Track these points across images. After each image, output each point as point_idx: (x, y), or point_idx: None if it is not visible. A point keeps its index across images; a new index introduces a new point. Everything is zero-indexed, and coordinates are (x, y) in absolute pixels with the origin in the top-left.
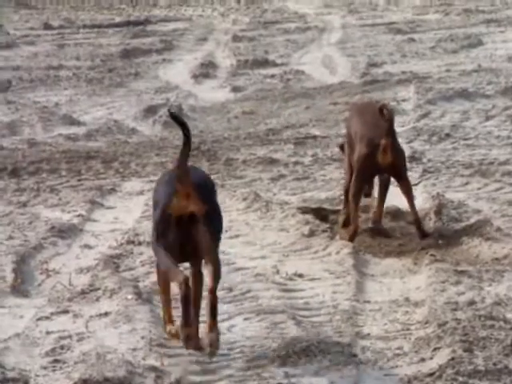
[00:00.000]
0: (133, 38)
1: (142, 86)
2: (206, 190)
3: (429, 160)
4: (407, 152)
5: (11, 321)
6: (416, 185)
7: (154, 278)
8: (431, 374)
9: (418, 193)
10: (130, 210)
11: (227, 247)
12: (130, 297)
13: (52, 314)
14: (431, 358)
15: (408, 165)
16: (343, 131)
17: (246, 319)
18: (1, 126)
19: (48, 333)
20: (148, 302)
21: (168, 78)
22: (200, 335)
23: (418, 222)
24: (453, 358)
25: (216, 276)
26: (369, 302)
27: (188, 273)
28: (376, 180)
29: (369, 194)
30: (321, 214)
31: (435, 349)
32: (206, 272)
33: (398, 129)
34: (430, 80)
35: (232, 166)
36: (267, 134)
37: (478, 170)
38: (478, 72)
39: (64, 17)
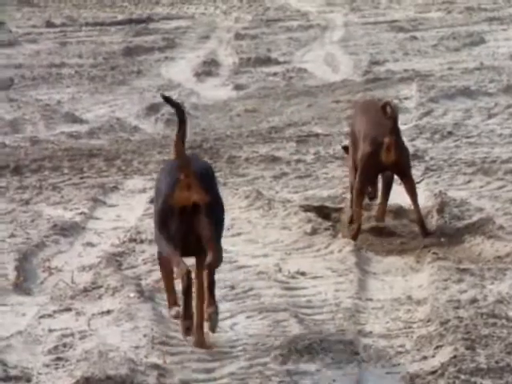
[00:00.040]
0: (135, 36)
1: (145, 84)
2: (207, 180)
3: (431, 158)
4: (409, 150)
5: (13, 319)
6: (418, 183)
7: (156, 275)
8: (433, 372)
9: (421, 191)
10: (133, 207)
11: (229, 245)
12: (132, 295)
13: (54, 311)
14: (433, 356)
15: (410, 163)
16: (345, 129)
17: (248, 317)
18: (3, 124)
19: (50, 331)
20: (150, 300)
21: (170, 76)
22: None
23: (420, 220)
24: (455, 356)
25: (216, 257)
26: (371, 300)
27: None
28: (379, 179)
29: (373, 198)
30: (323, 212)
31: (437, 347)
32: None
33: (400, 127)
34: (433, 78)
35: (234, 164)
36: (269, 131)
37: (480, 168)
38: (480, 70)
39: (66, 15)
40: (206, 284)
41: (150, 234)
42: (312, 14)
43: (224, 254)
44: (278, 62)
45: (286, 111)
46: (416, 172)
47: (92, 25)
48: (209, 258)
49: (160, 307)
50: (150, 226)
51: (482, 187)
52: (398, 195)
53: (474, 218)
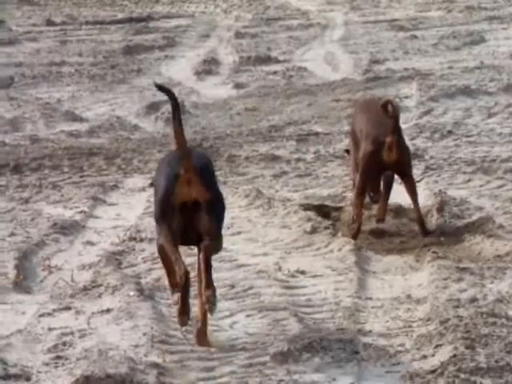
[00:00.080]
0: (135, 35)
1: (145, 83)
2: (207, 175)
3: (431, 157)
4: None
5: (13, 317)
6: (418, 182)
7: (156, 274)
8: (433, 371)
9: (421, 190)
10: (133, 206)
11: (229, 244)
12: (131, 293)
13: (54, 310)
14: (433, 355)
15: (411, 162)
16: (346, 128)
17: (248, 316)
18: (3, 123)
19: (50, 329)
20: (150, 298)
21: (170, 75)
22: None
23: (420, 220)
24: (455, 355)
25: (214, 241)
26: (371, 298)
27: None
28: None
29: (377, 201)
30: (323, 210)
31: (437, 346)
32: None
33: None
34: (433, 77)
35: (234, 163)
36: (269, 130)
37: (480, 167)
38: (480, 69)
39: (66, 13)
40: (202, 266)
41: (150, 233)
42: (312, 12)
43: (224, 253)
44: (278, 61)
45: (286, 110)
46: (416, 171)
47: (92, 23)
48: (206, 241)
49: (160, 306)
50: (149, 224)
51: (481, 186)
52: (398, 194)
53: (474, 217)
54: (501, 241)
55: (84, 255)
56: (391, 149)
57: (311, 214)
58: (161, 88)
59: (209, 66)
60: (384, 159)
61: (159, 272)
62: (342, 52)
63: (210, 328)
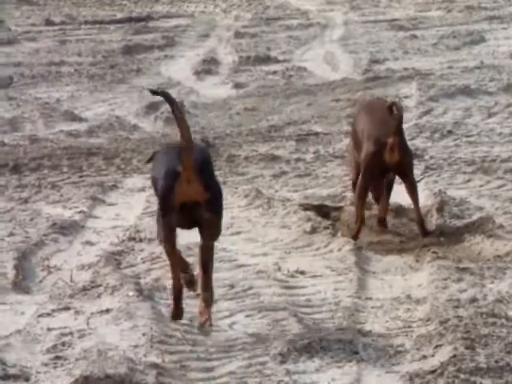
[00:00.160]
0: (135, 34)
1: (144, 83)
2: (207, 172)
3: (431, 157)
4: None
5: (12, 317)
6: (418, 182)
7: (155, 274)
8: (433, 372)
9: (420, 190)
10: (132, 206)
11: (229, 244)
12: (131, 294)
13: (53, 310)
14: (433, 356)
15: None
16: (345, 128)
17: (247, 316)
18: (2, 122)
19: (49, 329)
20: (149, 298)
21: (170, 75)
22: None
23: (421, 221)
24: (454, 356)
25: (213, 235)
26: (370, 299)
27: (183, 276)
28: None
29: (378, 199)
30: (323, 210)
31: (437, 346)
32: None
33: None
34: (433, 77)
35: (234, 163)
36: (269, 130)
37: (480, 167)
38: (480, 69)
39: (66, 13)
40: (201, 264)
41: (149, 233)
42: (312, 12)
43: (223, 253)
44: (277, 61)
45: (286, 110)
46: (416, 171)
47: (91, 23)
48: (205, 242)
49: (159, 306)
50: (149, 224)
51: (481, 186)
52: (398, 194)
53: (474, 217)
54: (501, 241)
55: (83, 255)
56: (393, 150)
57: (311, 214)
58: (155, 92)
59: (208, 66)
60: (386, 160)
61: (158, 272)
62: (342, 52)
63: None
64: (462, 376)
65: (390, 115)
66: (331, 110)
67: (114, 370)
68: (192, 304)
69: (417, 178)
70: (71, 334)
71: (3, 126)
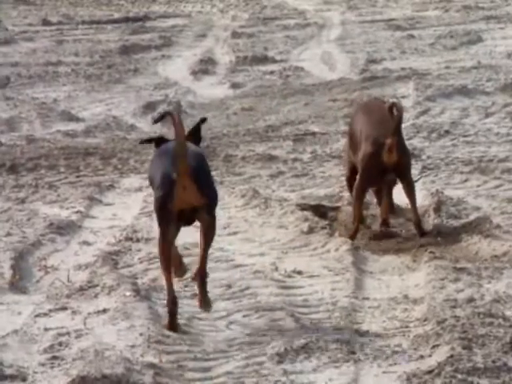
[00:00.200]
0: (132, 34)
1: (141, 83)
2: (202, 176)
3: (428, 157)
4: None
5: (9, 317)
6: (416, 182)
7: (152, 274)
8: (430, 372)
9: (418, 190)
10: (129, 206)
11: (226, 244)
12: (128, 294)
13: (50, 310)
14: (430, 356)
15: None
16: (342, 128)
17: (244, 316)
18: None
19: (46, 329)
20: (146, 298)
21: (167, 75)
22: None
23: (418, 221)
24: (452, 356)
25: (212, 234)
26: (368, 299)
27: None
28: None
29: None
30: (320, 210)
31: (434, 346)
32: (201, 237)
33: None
34: (430, 77)
35: (231, 163)
36: (266, 130)
37: (477, 167)
38: (477, 69)
39: (63, 13)
40: (198, 281)
41: (147, 233)
42: (309, 12)
43: (220, 253)
44: (274, 61)
45: (283, 110)
46: (413, 171)
47: (88, 23)
48: (202, 244)
49: (156, 306)
50: (146, 224)
51: (478, 186)
52: (395, 194)
53: (471, 217)
54: (498, 241)
55: (80, 255)
56: (391, 150)
57: (308, 214)
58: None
59: (205, 66)
60: (384, 161)
61: (155, 272)
62: (339, 52)
63: (206, 328)
64: (459, 376)
65: (391, 116)
66: (328, 109)
67: (111, 370)
68: (189, 304)
69: (414, 178)
70: (68, 333)
71: (0, 125)
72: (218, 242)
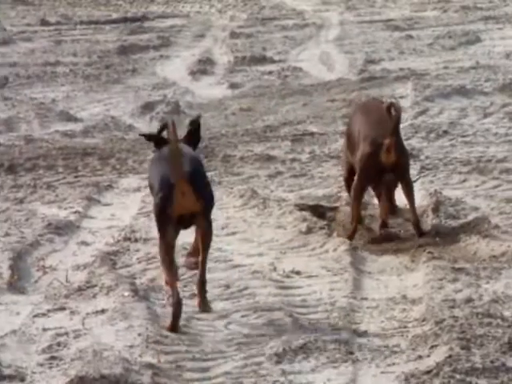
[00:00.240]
0: (130, 35)
1: (140, 83)
2: (200, 180)
3: (426, 157)
4: None
5: (7, 317)
6: (414, 182)
7: (150, 274)
8: (428, 372)
9: (416, 190)
10: (127, 206)
11: (224, 244)
12: (126, 294)
13: (48, 310)
14: (428, 356)
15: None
16: (341, 128)
17: (243, 316)
18: None
19: (44, 330)
20: (145, 299)
21: (165, 75)
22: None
23: (416, 221)
24: (450, 356)
25: (209, 243)
26: (366, 299)
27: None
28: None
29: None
30: (318, 211)
31: (432, 346)
32: (198, 240)
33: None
34: (428, 77)
35: (229, 163)
36: (264, 130)
37: (475, 168)
38: (475, 69)
39: (61, 13)
40: (198, 284)
41: (145, 233)
42: (307, 12)
43: (219, 253)
44: (273, 61)
45: (281, 110)
46: (411, 171)
47: (87, 23)
48: (201, 247)
49: (154, 306)
50: (144, 224)
51: (477, 186)
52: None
53: (470, 217)
54: (496, 241)
55: (78, 255)
56: (390, 150)
57: (306, 214)
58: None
59: (204, 66)
60: (382, 161)
61: (154, 272)
62: (338, 52)
63: (205, 328)
64: (458, 376)
65: (389, 116)
66: (327, 110)
67: (110, 371)
68: (187, 304)
69: (413, 178)
70: (66, 334)
71: None
72: (216, 242)
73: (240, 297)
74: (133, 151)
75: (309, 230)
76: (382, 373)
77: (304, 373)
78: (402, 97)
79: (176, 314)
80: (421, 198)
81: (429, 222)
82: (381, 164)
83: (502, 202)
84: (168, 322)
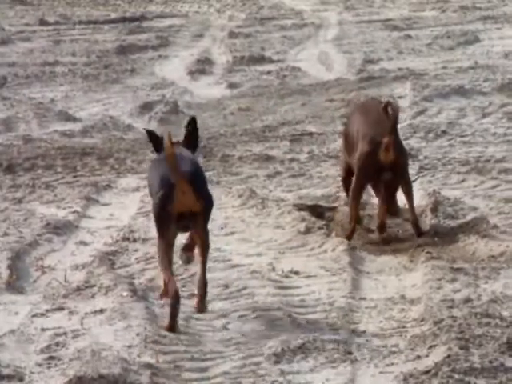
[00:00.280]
0: (129, 34)
1: (138, 83)
2: (199, 181)
3: (425, 157)
4: None
5: (6, 317)
6: (413, 182)
7: (149, 274)
8: (427, 372)
9: (415, 190)
10: (126, 206)
11: (223, 244)
12: (125, 294)
13: (47, 310)
14: (427, 356)
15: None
16: (339, 128)
17: (241, 316)
18: None
19: (43, 329)
20: (143, 299)
21: (164, 75)
22: None
23: (415, 221)
24: (449, 356)
25: (207, 246)
26: (364, 299)
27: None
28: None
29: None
30: (317, 211)
31: (431, 346)
32: (197, 243)
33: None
34: (427, 77)
35: (228, 163)
36: (263, 130)
37: (474, 168)
38: (474, 69)
39: (60, 13)
40: (199, 287)
41: (144, 233)
42: (306, 12)
43: (217, 253)
44: (271, 61)
45: (280, 110)
46: (410, 171)
47: (85, 23)
48: (200, 248)
49: (153, 306)
50: (143, 224)
51: (475, 186)
52: None
53: (468, 217)
54: (495, 241)
55: (77, 255)
56: (388, 150)
57: (305, 214)
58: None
59: (202, 66)
60: (381, 160)
61: (152, 272)
62: (336, 52)
63: (203, 328)
64: (456, 376)
65: (386, 115)
66: (325, 110)
67: (108, 370)
68: (186, 304)
69: (411, 178)
70: (65, 334)
71: None
72: (215, 242)
73: (239, 297)
74: (131, 151)
75: (307, 230)
76: (381, 373)
77: (302, 373)
78: (400, 97)
79: (174, 314)
80: (419, 198)
81: (427, 221)
82: (379, 163)
83: (500, 202)
84: (166, 321)
